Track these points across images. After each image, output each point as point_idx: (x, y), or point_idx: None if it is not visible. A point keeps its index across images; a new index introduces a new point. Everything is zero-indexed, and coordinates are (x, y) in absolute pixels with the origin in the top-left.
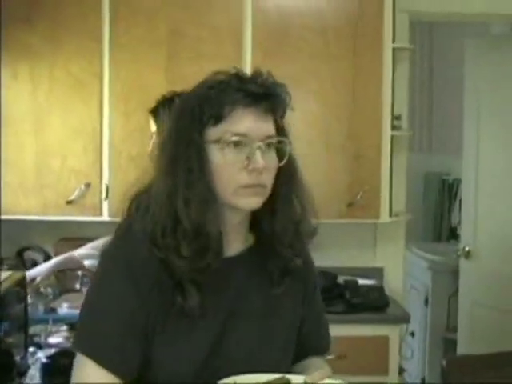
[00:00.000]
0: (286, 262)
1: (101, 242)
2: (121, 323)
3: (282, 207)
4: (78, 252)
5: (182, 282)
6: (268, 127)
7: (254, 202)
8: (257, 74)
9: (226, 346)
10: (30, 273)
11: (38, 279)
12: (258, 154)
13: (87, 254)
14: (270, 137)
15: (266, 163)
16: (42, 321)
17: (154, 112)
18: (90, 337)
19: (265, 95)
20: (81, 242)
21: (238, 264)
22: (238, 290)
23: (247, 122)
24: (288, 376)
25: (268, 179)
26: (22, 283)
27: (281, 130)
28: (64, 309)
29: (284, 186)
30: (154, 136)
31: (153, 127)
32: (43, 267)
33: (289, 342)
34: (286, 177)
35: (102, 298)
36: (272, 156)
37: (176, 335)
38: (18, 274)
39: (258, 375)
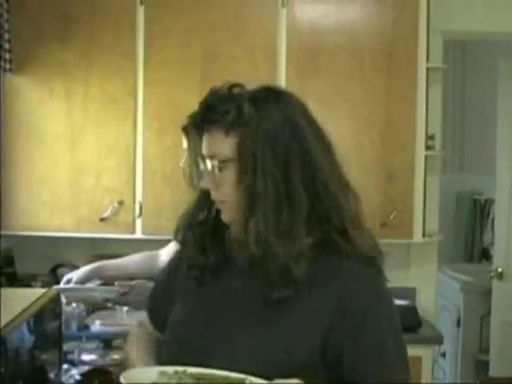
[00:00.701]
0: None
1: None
2: None
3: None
4: (112, 261)
5: None
6: (216, 146)
7: (222, 215)
8: (208, 93)
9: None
10: (67, 276)
11: (74, 279)
12: (204, 174)
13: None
14: (212, 156)
15: (216, 181)
16: (76, 338)
17: (186, 129)
18: None
19: (203, 117)
20: (114, 259)
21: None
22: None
23: (198, 144)
24: (252, 379)
25: (226, 195)
26: (56, 300)
27: (242, 146)
28: (97, 326)
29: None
30: (186, 153)
31: (185, 144)
32: (80, 270)
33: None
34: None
35: None
36: (226, 173)
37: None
38: (52, 291)
39: (218, 372)
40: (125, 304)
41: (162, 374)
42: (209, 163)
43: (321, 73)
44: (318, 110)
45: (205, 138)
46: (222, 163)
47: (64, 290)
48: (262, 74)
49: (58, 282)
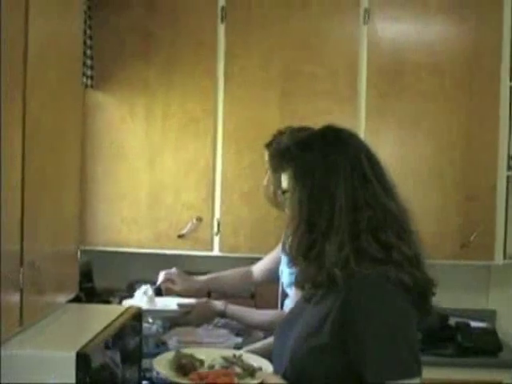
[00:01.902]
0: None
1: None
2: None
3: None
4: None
5: None
6: (281, 181)
7: None
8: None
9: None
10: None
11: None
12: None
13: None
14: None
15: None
16: (153, 355)
17: (269, 146)
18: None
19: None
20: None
21: None
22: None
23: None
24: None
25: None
26: (137, 317)
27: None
28: (174, 342)
29: None
30: (269, 171)
31: (266, 163)
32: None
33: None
34: None
35: None
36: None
37: None
38: (134, 308)
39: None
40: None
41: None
42: (281, 195)
43: (401, 91)
44: (398, 129)
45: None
46: (284, 194)
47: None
48: (342, 92)
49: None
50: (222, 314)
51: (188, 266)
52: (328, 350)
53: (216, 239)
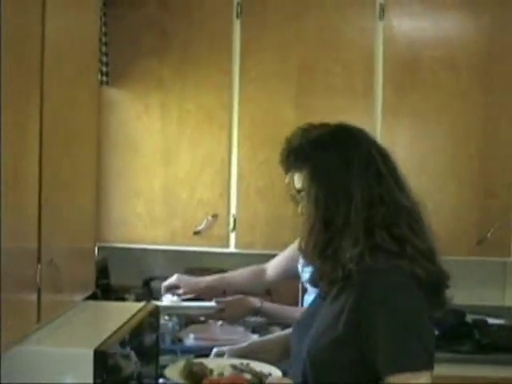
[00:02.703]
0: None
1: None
2: None
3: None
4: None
5: None
6: (295, 180)
7: None
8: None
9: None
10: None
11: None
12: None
13: None
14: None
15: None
16: (169, 352)
17: None
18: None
19: (281, 161)
20: (207, 272)
21: None
22: None
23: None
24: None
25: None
26: (154, 314)
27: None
28: (191, 340)
29: None
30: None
31: None
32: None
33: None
34: None
35: None
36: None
37: None
38: (151, 305)
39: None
40: (220, 319)
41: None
42: (295, 194)
43: (417, 87)
44: (414, 125)
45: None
46: (299, 193)
47: (161, 307)
48: (358, 88)
49: (150, 295)
50: (257, 311)
51: (204, 263)
52: (343, 343)
53: (232, 236)
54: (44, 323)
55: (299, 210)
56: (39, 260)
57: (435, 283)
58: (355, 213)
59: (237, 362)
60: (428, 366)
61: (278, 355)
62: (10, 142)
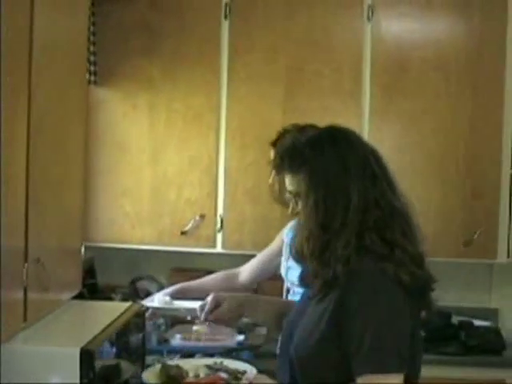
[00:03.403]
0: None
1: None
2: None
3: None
4: (194, 282)
5: None
6: (290, 184)
7: None
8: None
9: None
10: (149, 298)
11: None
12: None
13: None
14: (289, 192)
15: (293, 210)
16: (156, 352)
17: (276, 144)
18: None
19: (277, 165)
20: (194, 272)
21: None
22: None
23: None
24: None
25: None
26: (140, 314)
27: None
28: (177, 340)
29: None
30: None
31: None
32: (162, 292)
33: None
34: None
35: None
36: (299, 204)
37: None
38: (137, 305)
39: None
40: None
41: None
42: (289, 197)
43: (406, 88)
44: (402, 126)
45: (285, 177)
46: (296, 197)
47: (149, 308)
48: (346, 89)
49: (137, 295)
50: None
51: (190, 263)
52: (328, 342)
53: (219, 236)
54: (30, 322)
55: (289, 210)
56: (26, 259)
57: (420, 287)
58: (352, 216)
59: (210, 361)
60: (401, 368)
61: (271, 319)
62: None
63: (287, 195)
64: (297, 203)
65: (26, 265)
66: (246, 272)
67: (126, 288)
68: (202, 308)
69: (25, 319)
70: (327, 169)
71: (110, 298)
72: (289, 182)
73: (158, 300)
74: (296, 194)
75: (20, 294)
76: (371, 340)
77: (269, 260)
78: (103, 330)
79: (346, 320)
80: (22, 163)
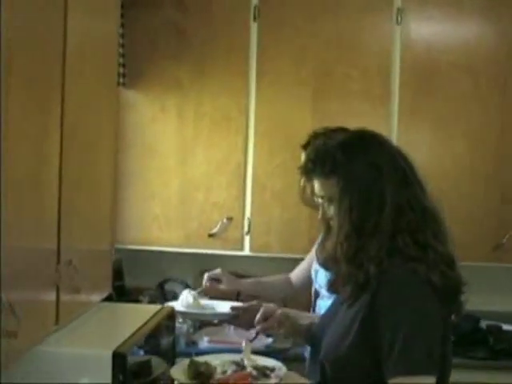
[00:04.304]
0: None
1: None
2: None
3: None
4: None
5: None
6: (321, 189)
7: None
8: (309, 149)
9: None
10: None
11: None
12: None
13: None
14: (321, 196)
15: (324, 214)
16: (184, 354)
17: (306, 147)
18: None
19: (308, 169)
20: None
21: None
22: None
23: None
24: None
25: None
26: (171, 317)
27: (336, 188)
28: (205, 343)
29: None
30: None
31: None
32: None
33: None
34: None
35: None
36: (331, 209)
37: None
38: (168, 308)
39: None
40: (236, 325)
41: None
42: (320, 201)
43: (435, 92)
44: (431, 130)
45: (315, 182)
46: (328, 202)
47: (178, 312)
48: (375, 92)
49: (165, 297)
50: None
51: (218, 266)
52: (360, 345)
53: (246, 239)
54: (62, 324)
55: (319, 215)
56: (59, 260)
57: (451, 289)
58: (386, 219)
59: (238, 358)
60: (432, 369)
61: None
62: (31, 144)
63: (318, 200)
64: (328, 208)
65: (58, 267)
66: (296, 277)
67: (154, 290)
68: (235, 309)
69: (57, 321)
70: (360, 173)
71: (137, 301)
72: (320, 186)
73: (182, 301)
74: (328, 199)
75: (52, 296)
76: (403, 341)
77: (308, 265)
78: (135, 333)
79: (378, 321)
80: (55, 167)
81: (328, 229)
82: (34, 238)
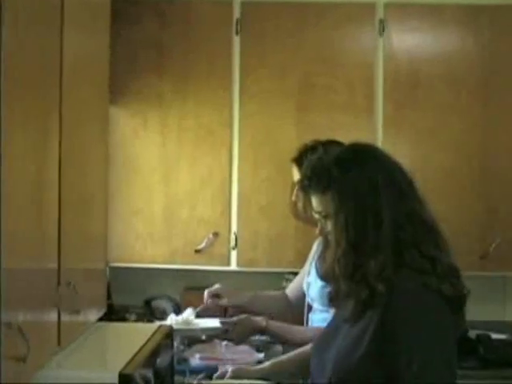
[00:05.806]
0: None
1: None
2: None
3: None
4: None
5: None
6: (318, 204)
7: None
8: (305, 165)
9: None
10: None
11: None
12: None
13: None
14: (317, 212)
15: (322, 229)
16: (179, 372)
17: (298, 161)
18: None
19: (305, 185)
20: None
21: None
22: None
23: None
24: None
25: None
26: (169, 335)
27: (332, 203)
28: (196, 360)
29: None
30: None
31: (296, 176)
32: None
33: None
34: None
35: None
36: (328, 224)
37: None
38: (165, 326)
39: None
40: (227, 340)
41: None
42: (317, 216)
43: (418, 103)
44: (415, 141)
45: (312, 198)
46: (324, 217)
47: None
48: (358, 104)
49: (152, 315)
50: (263, 331)
51: (204, 282)
52: (370, 361)
53: (233, 254)
54: (63, 346)
55: (317, 231)
56: (59, 282)
57: (460, 299)
58: (385, 234)
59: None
60: (453, 380)
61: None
62: (31, 165)
63: (316, 216)
64: (325, 223)
65: (59, 288)
66: (290, 292)
67: (140, 308)
68: (225, 323)
69: (59, 343)
70: (356, 188)
71: (124, 319)
72: (317, 202)
73: (171, 320)
74: (325, 215)
75: (54, 317)
76: (422, 354)
77: (302, 279)
78: (137, 353)
79: (392, 335)
80: (55, 187)
81: (327, 242)
82: (35, 258)
